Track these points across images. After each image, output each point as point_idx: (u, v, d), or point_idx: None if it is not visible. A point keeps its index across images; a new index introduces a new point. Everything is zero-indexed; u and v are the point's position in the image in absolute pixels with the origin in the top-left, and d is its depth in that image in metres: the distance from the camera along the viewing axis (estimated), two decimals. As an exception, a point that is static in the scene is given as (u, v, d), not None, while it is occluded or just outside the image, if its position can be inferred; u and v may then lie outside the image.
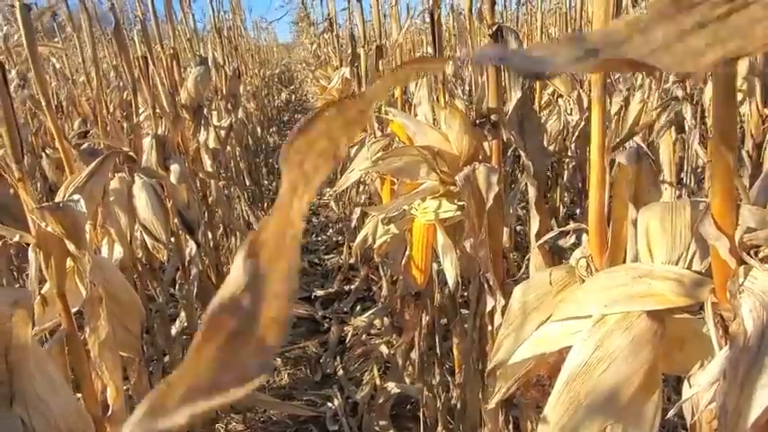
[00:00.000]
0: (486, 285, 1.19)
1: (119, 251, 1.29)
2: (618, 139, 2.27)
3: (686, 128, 1.83)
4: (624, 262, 0.76)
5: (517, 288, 0.83)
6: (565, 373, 0.59)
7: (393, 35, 3.10)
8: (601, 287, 0.63)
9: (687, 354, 0.62)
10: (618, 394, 0.56)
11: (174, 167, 1.92)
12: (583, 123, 2.86)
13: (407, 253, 1.63)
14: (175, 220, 1.98)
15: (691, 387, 0.53)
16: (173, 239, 2.19)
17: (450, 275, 1.45)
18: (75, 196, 0.98)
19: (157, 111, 2.10)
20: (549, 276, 0.80)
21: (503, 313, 1.19)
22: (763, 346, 0.47)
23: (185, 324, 2.11)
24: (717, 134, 0.48)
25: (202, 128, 2.82)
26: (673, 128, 2.07)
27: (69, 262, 1.04)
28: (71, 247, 0.97)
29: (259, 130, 7.24)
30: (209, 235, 2.93)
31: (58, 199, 1.03)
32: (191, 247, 2.24)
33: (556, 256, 1.07)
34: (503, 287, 1.22)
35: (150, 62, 2.20)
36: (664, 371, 0.63)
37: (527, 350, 0.70)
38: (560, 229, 0.86)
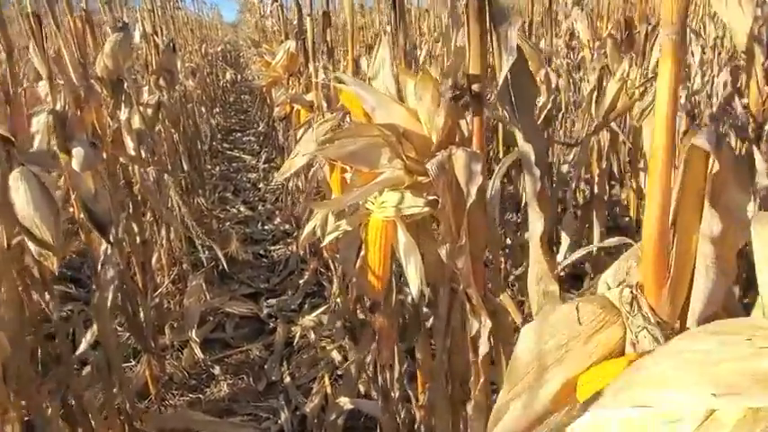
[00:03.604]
0: (467, 303, 0.94)
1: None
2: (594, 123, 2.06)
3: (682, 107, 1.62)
4: (689, 296, 0.51)
5: (527, 329, 0.57)
6: None
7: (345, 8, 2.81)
8: (699, 360, 0.37)
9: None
10: None
11: (77, 151, 1.57)
12: (549, 105, 2.65)
13: (362, 253, 1.37)
14: (81, 216, 1.64)
15: None
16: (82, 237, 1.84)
17: (414, 283, 1.19)
18: None
19: (59, 82, 1.74)
20: (577, 313, 0.55)
21: (490, 338, 0.95)
22: None
23: (96, 337, 1.77)
24: None
25: (123, 105, 2.45)
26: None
27: None
28: None
29: (204, 110, 6.78)
30: (135, 229, 2.57)
31: None
32: (105, 246, 1.90)
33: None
34: (485, 302, 0.97)
35: (54, 24, 1.83)
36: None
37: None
38: (598, 245, 0.60)
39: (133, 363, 2.52)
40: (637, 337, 0.51)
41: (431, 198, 1.01)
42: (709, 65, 3.49)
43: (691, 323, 0.51)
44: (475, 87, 0.91)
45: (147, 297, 2.40)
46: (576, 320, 0.55)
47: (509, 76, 0.85)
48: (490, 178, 1.16)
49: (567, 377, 0.54)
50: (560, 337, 0.55)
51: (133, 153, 2.57)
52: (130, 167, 2.61)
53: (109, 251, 1.88)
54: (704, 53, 3.14)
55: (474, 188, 0.88)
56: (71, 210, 1.76)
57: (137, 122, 2.65)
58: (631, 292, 0.53)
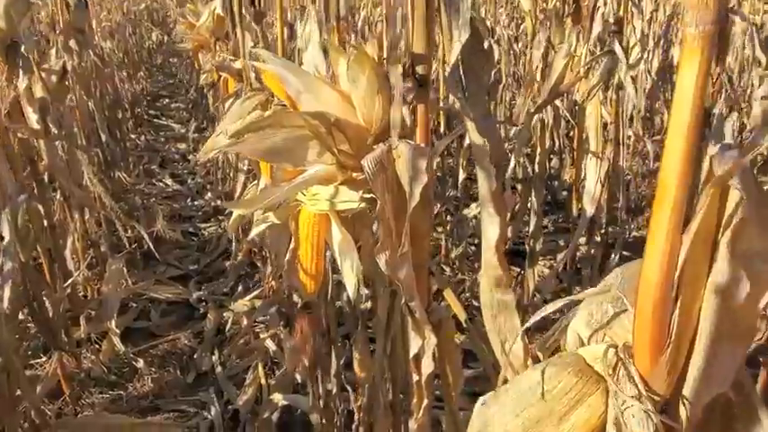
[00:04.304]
0: (409, 317, 0.83)
1: None
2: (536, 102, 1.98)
3: (625, 85, 1.55)
4: (688, 362, 0.41)
5: (483, 406, 0.46)
6: None
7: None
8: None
9: None
10: None
11: (-48, 129, 1.33)
12: (492, 79, 2.55)
13: (293, 246, 1.23)
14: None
15: None
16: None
17: (350, 282, 1.07)
18: None
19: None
20: (542, 382, 0.44)
21: (435, 357, 0.84)
22: None
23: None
24: None
25: (21, 71, 2.15)
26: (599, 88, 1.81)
27: None
28: None
29: (126, 74, 6.28)
30: (42, 211, 2.30)
31: None
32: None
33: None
34: (429, 315, 0.86)
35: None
36: None
37: None
38: (569, 298, 0.49)
39: (44, 359, 2.29)
40: (623, 414, 0.41)
41: (367, 196, 0.88)
42: (646, 39, 3.50)
43: (689, 400, 0.41)
44: (419, 69, 0.77)
45: (55, 287, 2.17)
46: (546, 392, 0.44)
47: (460, 58, 0.72)
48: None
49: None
50: (528, 416, 0.44)
51: (36, 126, 2.29)
52: (34, 142, 2.32)
53: (5, 241, 1.64)
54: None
55: (418, 188, 0.75)
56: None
57: (39, 91, 2.35)
58: (617, 354, 0.42)
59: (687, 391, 0.39)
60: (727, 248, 0.36)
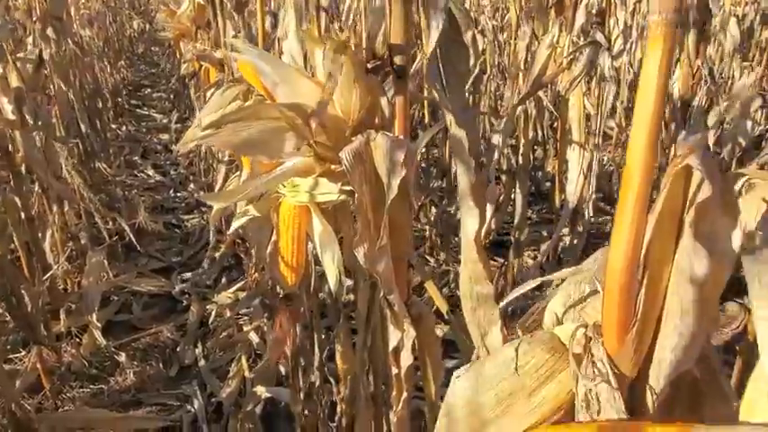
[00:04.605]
0: (388, 310, 0.82)
1: None
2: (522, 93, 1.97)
3: (606, 76, 1.56)
4: (655, 342, 0.41)
5: (460, 378, 0.46)
6: None
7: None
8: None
9: None
10: None
11: None
12: (477, 70, 2.55)
13: (274, 238, 1.22)
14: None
15: None
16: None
17: (332, 274, 1.07)
18: None
19: None
20: (516, 358, 0.44)
21: (414, 350, 0.84)
22: None
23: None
24: None
25: (-6, 60, 2.10)
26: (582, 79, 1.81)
27: None
28: None
29: (107, 63, 6.18)
30: (19, 204, 2.26)
31: None
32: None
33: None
34: (409, 308, 0.86)
35: None
36: None
37: None
38: (545, 277, 0.49)
39: (24, 353, 2.26)
40: (591, 392, 0.41)
41: (346, 189, 0.87)
42: (629, 30, 3.51)
43: (655, 378, 0.41)
44: (397, 60, 0.76)
45: (34, 280, 2.13)
46: (519, 368, 0.44)
47: (438, 48, 0.71)
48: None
49: (509, 438, 0.44)
50: (501, 389, 0.44)
51: (12, 116, 2.24)
52: (9, 133, 2.28)
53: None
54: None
55: (396, 181, 0.75)
56: None
57: (14, 80, 2.30)
58: (585, 334, 0.42)
59: (654, 368, 0.40)
60: (691, 228, 0.37)
